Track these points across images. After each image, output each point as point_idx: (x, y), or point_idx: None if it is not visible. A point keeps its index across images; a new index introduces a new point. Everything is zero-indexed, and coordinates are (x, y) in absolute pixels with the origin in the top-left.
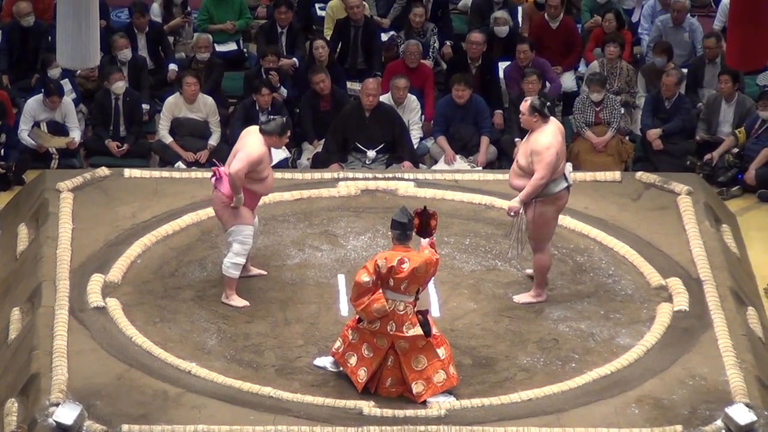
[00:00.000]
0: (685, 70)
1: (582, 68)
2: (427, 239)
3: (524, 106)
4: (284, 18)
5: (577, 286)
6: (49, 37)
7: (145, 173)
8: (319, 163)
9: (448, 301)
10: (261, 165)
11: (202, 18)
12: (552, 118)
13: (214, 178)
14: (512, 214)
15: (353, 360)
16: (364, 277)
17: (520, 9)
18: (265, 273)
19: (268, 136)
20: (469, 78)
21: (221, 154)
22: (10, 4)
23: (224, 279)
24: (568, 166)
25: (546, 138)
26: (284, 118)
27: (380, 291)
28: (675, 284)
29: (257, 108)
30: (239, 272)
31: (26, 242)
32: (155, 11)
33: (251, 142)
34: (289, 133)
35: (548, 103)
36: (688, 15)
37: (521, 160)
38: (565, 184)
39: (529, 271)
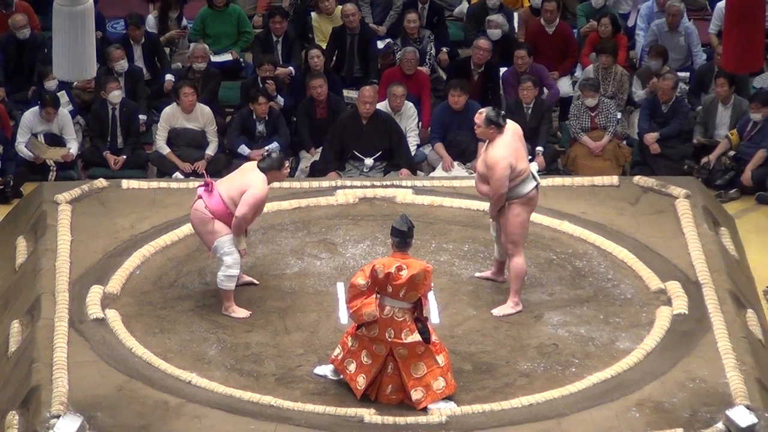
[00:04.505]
0: (681, 74)
1: (578, 73)
2: None
3: (479, 117)
4: (279, 27)
5: (577, 290)
6: (45, 50)
7: (143, 184)
8: (316, 171)
9: (447, 308)
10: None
11: (196, 29)
12: (509, 122)
13: (203, 188)
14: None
15: (352, 367)
16: (360, 280)
17: (516, 14)
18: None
19: (268, 172)
20: (465, 84)
21: (218, 164)
22: (5, 17)
23: (221, 292)
24: (534, 165)
25: (498, 151)
26: (281, 153)
27: (373, 296)
28: (674, 288)
29: (254, 117)
30: (234, 284)
31: (25, 255)
32: (150, 23)
33: (256, 184)
34: (287, 165)
35: (503, 113)
36: (684, 19)
37: (480, 168)
38: (534, 183)
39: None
